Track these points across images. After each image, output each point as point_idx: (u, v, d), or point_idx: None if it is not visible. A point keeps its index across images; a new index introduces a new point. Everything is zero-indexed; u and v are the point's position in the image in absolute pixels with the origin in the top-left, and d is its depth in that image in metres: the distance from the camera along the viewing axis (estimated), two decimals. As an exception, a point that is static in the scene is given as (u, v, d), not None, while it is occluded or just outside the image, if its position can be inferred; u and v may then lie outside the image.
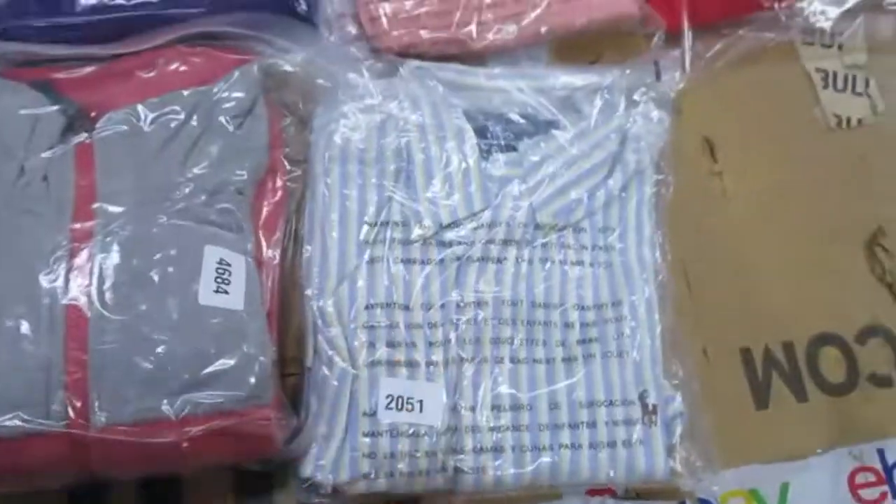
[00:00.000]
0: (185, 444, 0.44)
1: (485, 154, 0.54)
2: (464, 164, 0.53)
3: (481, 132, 0.55)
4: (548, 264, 0.54)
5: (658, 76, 0.58)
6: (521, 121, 0.56)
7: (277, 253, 0.52)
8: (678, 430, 0.52)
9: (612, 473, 0.50)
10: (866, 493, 0.57)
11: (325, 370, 0.49)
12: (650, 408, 0.51)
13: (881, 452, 0.57)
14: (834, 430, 0.57)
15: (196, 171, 0.50)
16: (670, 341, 0.54)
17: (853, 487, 0.57)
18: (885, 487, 0.57)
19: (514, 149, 0.55)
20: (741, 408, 0.57)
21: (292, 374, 0.52)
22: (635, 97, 0.57)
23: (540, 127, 0.56)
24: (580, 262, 0.54)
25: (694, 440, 0.53)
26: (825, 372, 0.59)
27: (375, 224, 0.52)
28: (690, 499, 0.54)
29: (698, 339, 0.58)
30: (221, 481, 0.51)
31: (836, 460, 0.57)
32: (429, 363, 0.50)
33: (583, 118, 0.57)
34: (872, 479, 0.57)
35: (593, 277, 0.54)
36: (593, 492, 0.53)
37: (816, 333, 0.60)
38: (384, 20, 0.58)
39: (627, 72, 0.57)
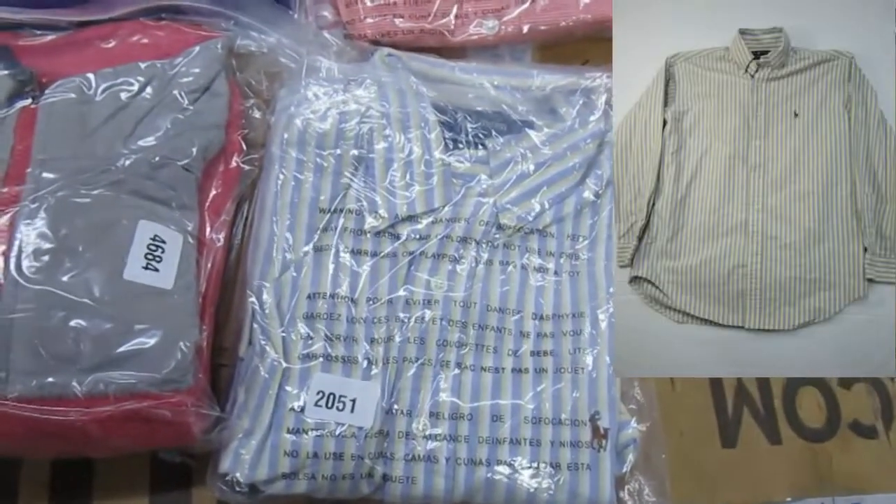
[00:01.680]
0: (90, 425, 0.42)
1: (451, 148, 0.52)
2: (426, 156, 0.50)
3: (450, 125, 0.52)
4: (508, 268, 0.51)
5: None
6: (494, 118, 0.53)
7: (222, 236, 0.50)
8: (630, 458, 0.48)
9: (551, 497, 0.46)
10: (839, 549, 0.52)
11: (257, 361, 0.47)
12: (601, 431, 0.47)
13: (858, 507, 0.53)
14: (808, 478, 0.53)
15: (142, 143, 0.48)
16: (634, 363, 0.50)
17: (825, 542, 0.52)
18: (861, 546, 0.53)
19: (484, 145, 0.52)
20: (706, 444, 0.53)
21: (226, 365, 0.49)
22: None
23: (513, 126, 0.53)
24: (543, 269, 0.51)
25: (648, 472, 0.49)
26: (803, 414, 0.54)
27: (328, 211, 0.50)
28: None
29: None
30: (137, 474, 0.48)
31: (807, 511, 0.52)
32: (367, 360, 0.47)
33: (559, 120, 0.53)
34: (847, 535, 0.53)
35: (556, 286, 0.51)
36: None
37: (796, 372, 0.56)
38: (360, 6, 0.56)
39: (609, 76, 0.54)
